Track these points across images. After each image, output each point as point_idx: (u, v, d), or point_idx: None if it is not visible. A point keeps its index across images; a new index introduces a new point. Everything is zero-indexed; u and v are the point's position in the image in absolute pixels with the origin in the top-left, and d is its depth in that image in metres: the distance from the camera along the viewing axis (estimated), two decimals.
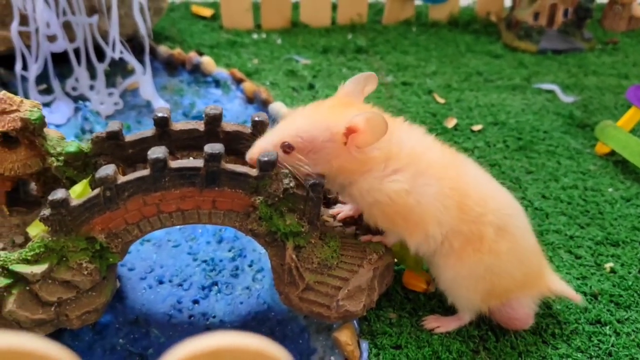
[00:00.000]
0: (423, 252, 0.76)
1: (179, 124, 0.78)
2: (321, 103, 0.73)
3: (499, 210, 0.73)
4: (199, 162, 0.69)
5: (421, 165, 0.70)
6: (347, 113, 0.68)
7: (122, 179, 0.68)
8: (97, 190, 0.68)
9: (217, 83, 1.42)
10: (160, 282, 0.87)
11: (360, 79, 0.73)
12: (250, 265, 0.91)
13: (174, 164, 0.69)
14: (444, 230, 0.72)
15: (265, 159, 0.69)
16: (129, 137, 0.76)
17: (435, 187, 0.70)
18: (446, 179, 0.70)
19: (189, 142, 0.78)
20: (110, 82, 1.36)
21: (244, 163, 0.78)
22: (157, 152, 0.67)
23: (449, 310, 0.83)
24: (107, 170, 0.67)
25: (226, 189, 0.71)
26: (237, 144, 0.79)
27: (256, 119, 0.77)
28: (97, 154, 0.77)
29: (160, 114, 0.76)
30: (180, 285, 0.87)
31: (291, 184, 0.70)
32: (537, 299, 0.80)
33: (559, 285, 0.81)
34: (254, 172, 0.70)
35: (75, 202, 0.68)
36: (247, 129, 0.78)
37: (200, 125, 0.78)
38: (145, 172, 0.68)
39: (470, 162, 0.77)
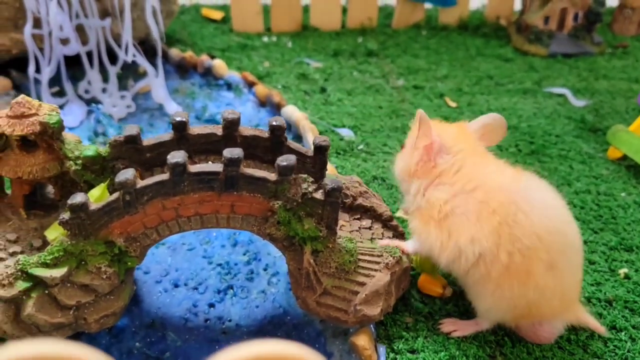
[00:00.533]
0: (456, 272, 0.76)
1: (197, 128, 0.78)
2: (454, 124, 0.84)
3: (555, 246, 0.71)
4: (218, 167, 0.69)
5: (469, 185, 0.73)
6: (440, 132, 0.77)
7: (141, 183, 0.68)
8: (116, 194, 0.68)
9: (229, 86, 1.42)
10: (176, 286, 0.87)
11: (487, 120, 0.82)
12: (265, 269, 0.91)
13: (193, 168, 0.69)
14: (477, 249, 0.71)
15: (284, 163, 0.69)
16: (146, 141, 0.77)
17: (473, 205, 0.72)
18: (490, 203, 0.71)
19: (206, 147, 0.78)
20: (122, 85, 1.36)
21: (262, 167, 0.79)
22: (176, 156, 0.67)
23: (465, 314, 0.83)
24: (127, 174, 0.67)
25: (245, 194, 0.71)
26: (255, 148, 0.79)
27: (274, 123, 0.77)
28: (115, 158, 0.77)
29: (178, 118, 0.76)
30: (195, 288, 0.87)
31: (309, 189, 0.71)
32: (567, 323, 0.80)
33: (586, 316, 0.80)
34: (272, 176, 0.70)
35: (94, 206, 0.68)
36: (265, 133, 0.78)
37: (218, 130, 0.78)
38: (164, 176, 0.68)
39: (543, 189, 0.75)
